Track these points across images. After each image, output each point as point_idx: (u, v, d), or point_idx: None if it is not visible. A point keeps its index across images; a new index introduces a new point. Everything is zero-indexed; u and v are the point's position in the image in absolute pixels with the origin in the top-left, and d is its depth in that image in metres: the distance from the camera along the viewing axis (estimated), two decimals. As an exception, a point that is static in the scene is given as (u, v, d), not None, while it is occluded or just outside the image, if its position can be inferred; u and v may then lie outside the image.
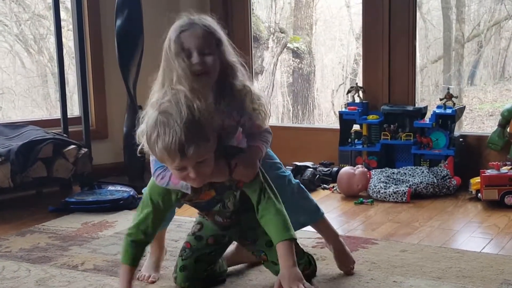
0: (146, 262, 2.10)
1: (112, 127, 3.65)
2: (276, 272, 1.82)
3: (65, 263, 2.25)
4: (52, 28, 3.39)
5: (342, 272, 2.07)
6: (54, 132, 3.19)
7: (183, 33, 1.72)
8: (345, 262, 2.07)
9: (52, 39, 3.89)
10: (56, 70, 3.40)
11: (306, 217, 2.06)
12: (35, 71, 4.34)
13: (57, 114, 3.53)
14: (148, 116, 1.58)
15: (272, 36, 5.07)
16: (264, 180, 1.76)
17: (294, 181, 2.07)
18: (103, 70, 3.62)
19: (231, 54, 1.79)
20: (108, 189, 3.14)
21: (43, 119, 3.52)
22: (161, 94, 1.62)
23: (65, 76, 3.40)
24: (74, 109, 3.71)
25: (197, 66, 1.71)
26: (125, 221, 2.77)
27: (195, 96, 1.56)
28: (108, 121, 3.66)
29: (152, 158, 1.71)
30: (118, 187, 3.14)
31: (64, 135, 3.24)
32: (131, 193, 3.05)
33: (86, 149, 3.16)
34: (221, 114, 1.68)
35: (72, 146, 3.08)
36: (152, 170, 1.73)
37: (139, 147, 1.67)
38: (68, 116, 3.37)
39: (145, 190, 1.92)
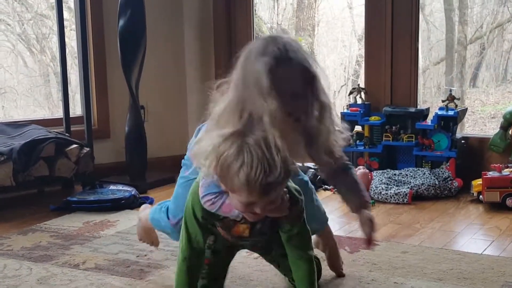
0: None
1: (114, 127, 3.65)
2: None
3: (66, 262, 2.25)
4: (55, 27, 3.41)
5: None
6: (56, 131, 3.19)
7: (278, 69, 1.45)
8: (337, 263, 2.08)
9: (54, 39, 3.90)
10: (58, 69, 3.41)
11: (317, 225, 2.01)
12: (37, 71, 4.35)
13: (59, 113, 3.54)
14: (223, 140, 1.41)
15: (274, 38, 5.06)
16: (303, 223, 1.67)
17: (311, 186, 2.03)
18: (105, 70, 3.62)
19: (324, 92, 1.56)
20: (110, 188, 3.14)
21: (45, 118, 3.54)
22: (242, 126, 1.43)
23: (68, 75, 3.40)
24: (76, 109, 3.72)
25: (290, 112, 1.48)
26: (127, 220, 2.78)
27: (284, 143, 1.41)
28: (110, 121, 3.66)
29: (204, 182, 1.55)
30: (120, 187, 3.15)
31: (67, 134, 3.25)
32: (133, 192, 3.06)
33: (88, 149, 3.16)
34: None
35: (74, 146, 3.09)
36: (201, 194, 1.58)
37: (189, 155, 1.57)
38: (70, 116, 3.38)
39: (170, 208, 1.93)
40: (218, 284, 1.79)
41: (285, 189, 1.53)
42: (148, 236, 2.20)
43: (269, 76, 1.43)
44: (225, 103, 1.50)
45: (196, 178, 1.70)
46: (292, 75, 1.47)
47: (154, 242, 2.22)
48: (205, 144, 1.45)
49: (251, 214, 1.48)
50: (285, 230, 1.63)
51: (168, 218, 1.94)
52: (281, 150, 1.39)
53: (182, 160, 1.93)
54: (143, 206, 2.33)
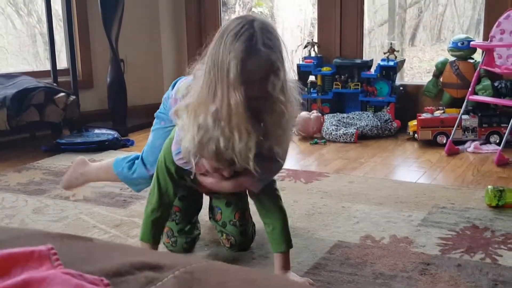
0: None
1: (97, 78, 3.58)
2: (220, 232, 1.71)
3: (58, 195, 2.24)
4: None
5: (298, 200, 2.07)
6: (45, 82, 3.12)
7: (246, 61, 1.27)
8: None
9: (40, 2, 3.77)
10: (44, 30, 3.31)
11: None
12: (25, 32, 4.21)
13: (46, 69, 3.45)
14: (201, 120, 1.29)
15: (238, 1, 4.99)
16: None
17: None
18: (87, 27, 3.53)
19: (283, 92, 1.34)
20: (95, 132, 3.11)
21: (34, 70, 3.44)
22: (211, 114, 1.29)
23: (53, 34, 3.31)
24: (62, 65, 3.62)
25: (251, 101, 1.30)
26: (110, 159, 2.76)
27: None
28: (93, 73, 3.59)
29: (178, 139, 1.42)
30: (103, 130, 3.12)
31: (54, 84, 3.18)
32: (115, 135, 3.03)
33: (74, 97, 3.11)
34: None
35: (62, 94, 3.03)
36: (175, 150, 1.47)
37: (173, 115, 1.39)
38: (57, 69, 3.30)
39: (147, 156, 1.74)
40: (192, 226, 1.72)
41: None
42: (76, 185, 2.02)
43: (238, 67, 1.26)
44: (198, 88, 1.35)
45: (169, 125, 1.63)
46: (256, 66, 1.28)
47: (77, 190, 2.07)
48: (186, 141, 1.33)
49: (220, 175, 1.42)
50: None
51: (146, 168, 1.77)
52: (243, 138, 1.28)
53: (156, 112, 1.76)
54: (80, 159, 2.04)
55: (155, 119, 1.76)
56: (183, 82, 1.61)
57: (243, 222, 1.69)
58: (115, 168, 1.85)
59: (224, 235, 1.70)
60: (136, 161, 1.79)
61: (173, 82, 1.72)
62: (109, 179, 1.95)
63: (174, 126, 1.60)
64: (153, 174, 1.68)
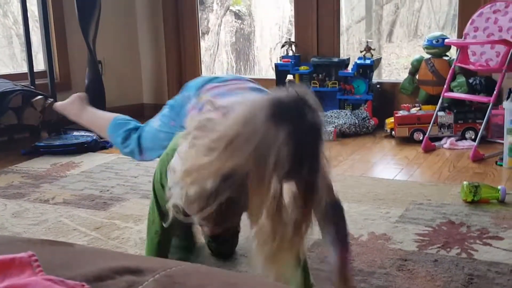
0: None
1: (75, 80, 3.56)
2: (209, 242, 1.68)
3: (37, 198, 2.23)
4: (16, -9, 3.26)
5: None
6: (22, 84, 3.10)
7: (295, 142, 1.00)
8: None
9: (15, 4, 3.73)
10: (20, 32, 3.28)
11: None
12: (1, 33, 4.17)
13: (23, 71, 3.42)
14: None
15: (216, -1, 5.00)
16: None
17: None
18: (64, 28, 3.51)
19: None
20: (73, 134, 3.09)
21: (11, 73, 3.41)
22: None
23: (30, 36, 3.28)
24: (39, 67, 3.60)
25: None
26: (90, 161, 2.76)
27: None
28: (71, 74, 3.57)
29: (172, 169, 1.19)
30: (82, 133, 3.10)
31: (31, 87, 3.16)
32: (94, 137, 3.01)
33: (52, 99, 3.09)
34: None
35: (40, 97, 3.01)
36: (169, 181, 1.23)
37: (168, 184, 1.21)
38: (34, 71, 3.27)
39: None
40: (171, 240, 1.57)
41: None
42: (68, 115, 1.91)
43: (287, 149, 1.00)
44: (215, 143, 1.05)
45: (178, 130, 1.43)
46: (304, 151, 1.03)
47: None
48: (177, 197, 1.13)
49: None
50: None
51: (139, 148, 1.64)
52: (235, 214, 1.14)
53: (171, 102, 1.59)
54: (79, 96, 1.88)
55: (168, 108, 1.59)
56: (213, 96, 1.40)
57: (234, 238, 1.67)
58: (110, 131, 1.71)
59: (212, 247, 1.69)
60: (133, 135, 1.64)
61: (202, 80, 1.51)
62: (99, 133, 1.88)
63: (182, 129, 1.40)
64: (142, 159, 1.66)
